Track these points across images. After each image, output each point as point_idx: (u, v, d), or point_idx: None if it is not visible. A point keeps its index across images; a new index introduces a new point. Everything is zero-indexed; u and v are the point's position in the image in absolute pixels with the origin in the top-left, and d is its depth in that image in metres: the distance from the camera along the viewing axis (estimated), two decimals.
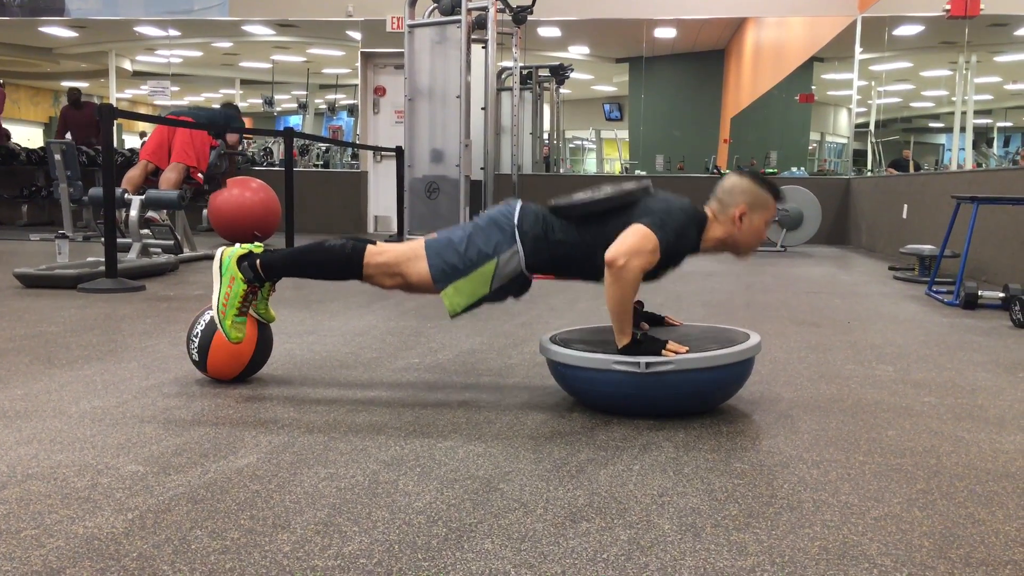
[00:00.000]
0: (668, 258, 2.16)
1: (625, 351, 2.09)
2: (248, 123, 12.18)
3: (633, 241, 2.09)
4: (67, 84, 10.53)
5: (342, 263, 2.29)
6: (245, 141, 11.60)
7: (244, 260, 2.31)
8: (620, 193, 2.22)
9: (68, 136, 9.65)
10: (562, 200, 2.27)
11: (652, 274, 2.21)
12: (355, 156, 10.62)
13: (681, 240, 2.17)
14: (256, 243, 2.38)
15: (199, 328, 2.37)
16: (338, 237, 2.34)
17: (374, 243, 2.31)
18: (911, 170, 9.29)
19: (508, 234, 2.24)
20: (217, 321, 2.28)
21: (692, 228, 2.20)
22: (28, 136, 12.42)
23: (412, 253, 2.28)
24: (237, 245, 2.36)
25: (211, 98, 12.10)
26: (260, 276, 2.30)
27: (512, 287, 2.29)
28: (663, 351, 2.07)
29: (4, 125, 10.30)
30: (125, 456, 1.76)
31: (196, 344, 2.36)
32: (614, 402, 2.14)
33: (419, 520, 1.45)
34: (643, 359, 2.05)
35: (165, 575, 1.23)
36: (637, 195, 2.23)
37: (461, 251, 2.24)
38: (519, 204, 2.30)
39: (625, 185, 2.24)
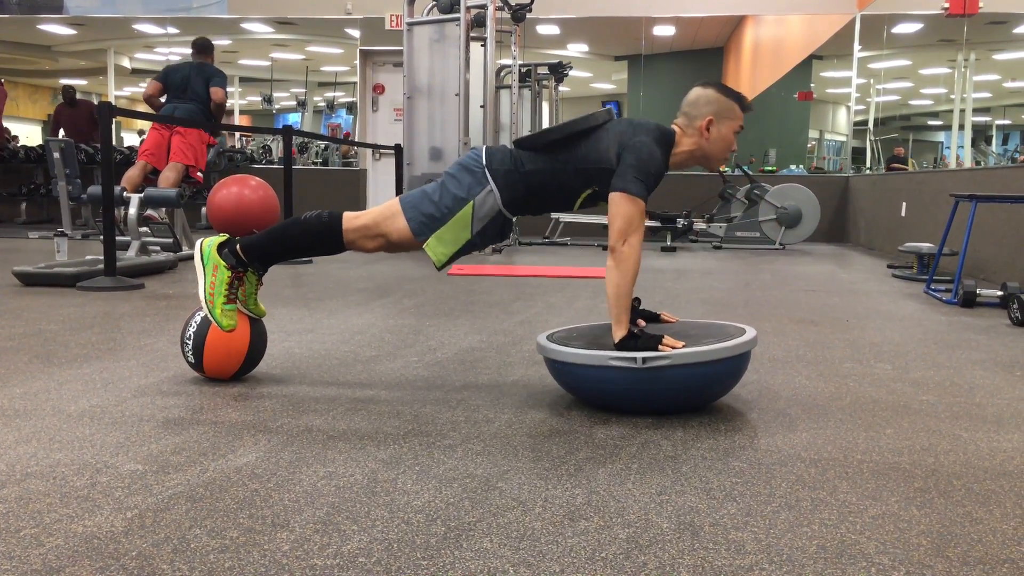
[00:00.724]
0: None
1: (621, 345, 2.09)
2: (246, 121, 12.18)
3: (621, 219, 2.14)
4: (66, 82, 10.52)
5: (321, 233, 2.30)
6: (244, 139, 11.60)
7: (225, 247, 2.32)
8: (582, 118, 2.26)
9: (62, 134, 9.64)
10: (527, 135, 2.31)
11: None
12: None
13: (657, 171, 2.21)
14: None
15: (191, 330, 2.37)
16: (313, 211, 2.35)
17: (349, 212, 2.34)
18: (909, 165, 9.29)
19: (479, 175, 2.27)
20: (207, 311, 2.28)
21: (662, 151, 2.24)
22: (27, 134, 12.41)
23: (389, 211, 2.30)
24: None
25: None
26: (243, 261, 2.31)
27: (493, 230, 2.32)
28: (660, 346, 2.08)
29: (5, 123, 10.28)
30: (124, 455, 1.76)
31: (190, 346, 2.36)
32: (611, 398, 2.14)
33: (418, 519, 1.46)
34: (640, 354, 2.05)
35: (164, 574, 1.24)
36: (600, 118, 2.27)
37: (436, 200, 2.27)
38: (485, 146, 2.34)
39: (587, 115, 2.29)
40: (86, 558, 1.28)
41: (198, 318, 2.37)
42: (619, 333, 2.12)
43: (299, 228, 2.32)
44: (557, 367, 2.22)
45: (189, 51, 7.02)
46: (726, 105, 2.28)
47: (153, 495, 1.54)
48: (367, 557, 1.31)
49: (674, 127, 2.32)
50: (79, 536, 1.36)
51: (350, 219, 2.30)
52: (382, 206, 2.34)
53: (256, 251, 2.31)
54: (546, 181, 2.27)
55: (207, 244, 2.33)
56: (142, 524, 1.41)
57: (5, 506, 1.47)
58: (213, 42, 7.15)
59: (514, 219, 2.37)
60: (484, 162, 2.28)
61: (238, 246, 2.31)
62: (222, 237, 2.34)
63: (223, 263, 2.29)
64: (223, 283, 2.28)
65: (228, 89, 7.14)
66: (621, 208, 2.15)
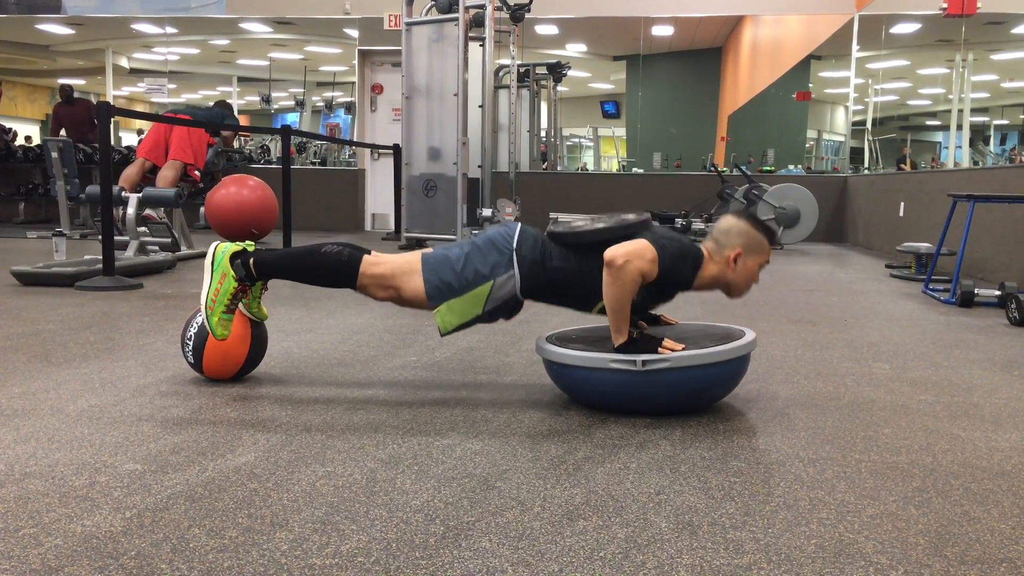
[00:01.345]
0: (663, 281, 2.16)
1: (621, 350, 2.09)
2: (244, 120, 12.17)
3: (633, 247, 2.09)
4: (64, 82, 10.51)
5: (337, 271, 2.27)
6: (242, 139, 11.59)
7: (237, 258, 2.30)
8: (619, 224, 2.21)
9: (62, 133, 9.64)
10: (561, 227, 2.27)
11: (645, 299, 2.23)
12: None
13: (677, 267, 2.16)
14: (249, 242, 2.37)
15: (192, 331, 2.36)
16: (334, 244, 2.32)
17: (370, 253, 2.30)
18: (908, 167, 9.30)
19: (506, 257, 2.23)
20: (204, 316, 2.27)
21: (688, 262, 2.19)
22: (25, 134, 12.40)
23: (408, 267, 2.26)
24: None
25: (208, 95, 12.08)
26: (251, 275, 2.29)
27: (504, 310, 2.30)
28: (659, 349, 2.08)
29: (4, 123, 10.27)
30: (123, 454, 1.76)
31: (191, 347, 2.36)
32: (611, 400, 2.15)
33: (417, 518, 1.46)
34: (639, 357, 2.05)
35: (163, 573, 1.24)
36: (636, 227, 2.22)
37: (458, 270, 2.23)
38: (519, 227, 2.29)
39: (625, 217, 2.24)
40: (85, 558, 1.28)
41: (199, 319, 2.37)
42: (619, 340, 2.11)
43: (317, 260, 2.29)
44: (556, 369, 2.22)
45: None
46: (756, 240, 2.24)
47: (152, 495, 1.54)
48: (366, 556, 1.31)
49: (703, 249, 2.27)
50: (78, 536, 1.36)
51: (369, 264, 2.26)
52: (402, 258, 2.30)
53: (268, 270, 2.30)
54: (567, 281, 2.24)
55: (221, 250, 2.30)
56: (141, 524, 1.41)
57: (4, 506, 1.47)
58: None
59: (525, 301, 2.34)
60: (514, 245, 2.24)
61: (251, 260, 2.29)
62: (238, 246, 2.31)
63: (232, 273, 2.27)
64: (227, 293, 2.27)
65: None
66: (638, 243, 2.10)
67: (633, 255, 2.07)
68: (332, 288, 2.37)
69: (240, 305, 2.36)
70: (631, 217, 2.24)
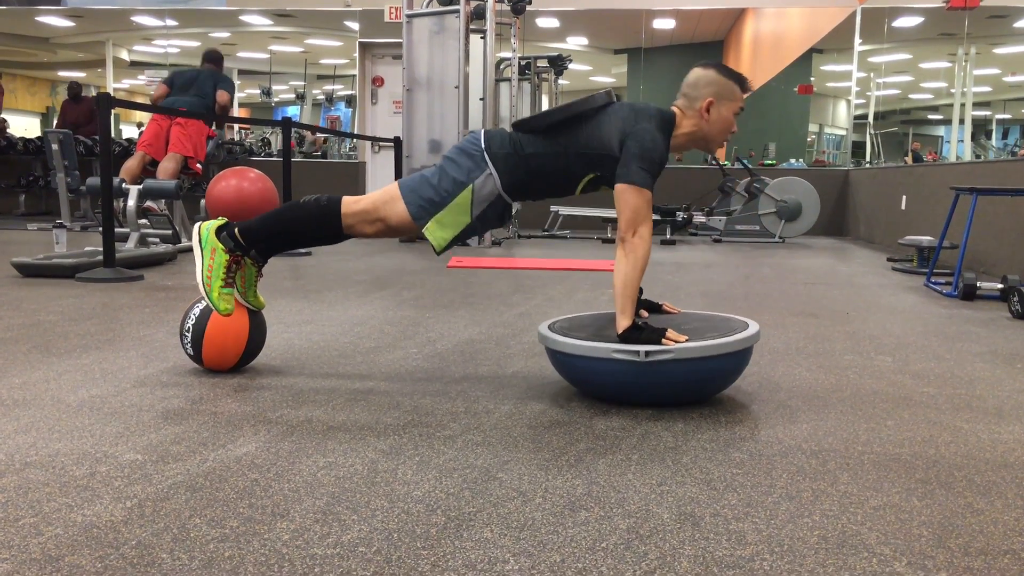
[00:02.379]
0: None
1: (625, 337, 2.09)
2: (244, 113, 12.15)
3: (629, 210, 2.13)
4: (64, 74, 10.51)
5: (320, 217, 2.28)
6: (242, 132, 11.58)
7: (223, 230, 2.30)
8: (581, 100, 2.25)
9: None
10: (526, 117, 2.30)
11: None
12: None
13: (661, 158, 2.19)
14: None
15: (190, 322, 2.36)
16: (311, 195, 2.34)
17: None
18: (910, 160, 9.28)
19: (478, 158, 2.25)
20: (204, 294, 2.27)
21: (663, 136, 2.22)
22: (25, 126, 12.38)
23: (388, 196, 2.29)
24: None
25: None
26: (240, 244, 2.29)
27: (493, 215, 2.31)
28: (663, 340, 2.07)
29: (2, 115, 10.26)
30: (123, 444, 1.76)
31: (189, 338, 2.36)
32: (613, 391, 2.14)
33: (418, 509, 1.45)
34: (643, 348, 2.04)
35: (164, 563, 1.23)
36: (599, 101, 2.25)
37: (435, 184, 2.25)
38: (483, 130, 2.32)
39: (592, 95, 2.27)
40: (85, 547, 1.28)
41: (196, 310, 2.36)
42: (623, 323, 2.11)
43: (297, 212, 2.30)
44: (559, 358, 2.21)
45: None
46: (726, 86, 2.27)
47: (153, 485, 1.53)
48: (367, 547, 1.30)
49: (674, 109, 2.30)
50: (78, 525, 1.35)
51: (349, 203, 2.29)
52: (381, 191, 2.33)
53: (254, 234, 2.30)
54: (546, 164, 2.26)
55: (205, 227, 2.31)
56: (142, 514, 1.40)
57: (4, 495, 1.47)
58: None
59: (514, 205, 2.36)
60: (483, 145, 2.26)
61: (236, 230, 2.29)
62: (220, 221, 2.33)
63: (221, 246, 2.28)
64: (220, 266, 2.27)
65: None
66: (628, 199, 2.14)
67: (636, 220, 2.12)
68: (323, 243, 2.37)
69: (237, 295, 2.36)
70: (598, 95, 2.26)
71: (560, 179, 2.29)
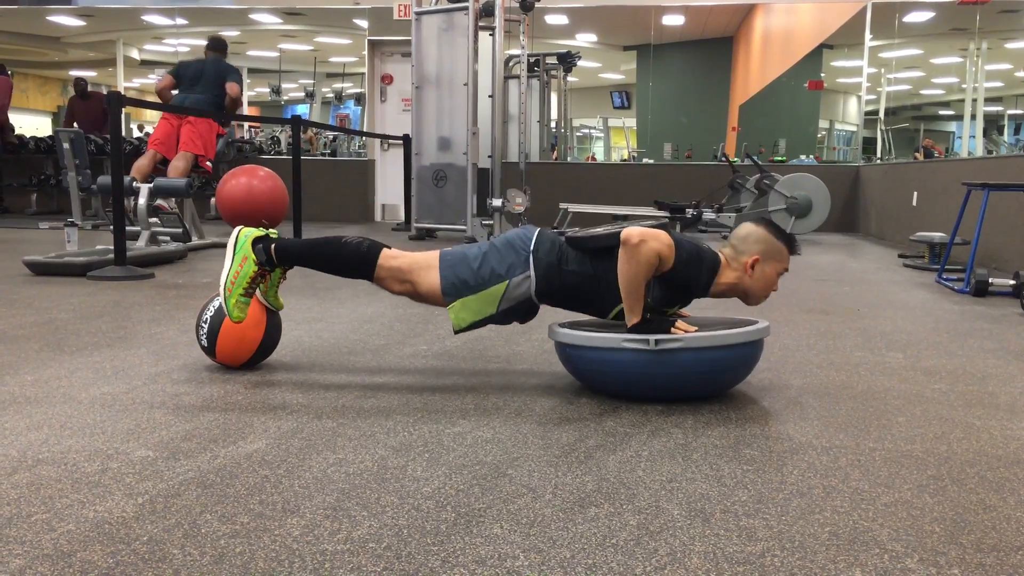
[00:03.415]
0: (677, 279, 2.16)
1: (635, 330, 2.09)
2: (254, 111, 12.18)
3: (650, 231, 2.10)
4: (75, 73, 10.55)
5: (356, 261, 2.30)
6: (252, 130, 11.61)
7: (259, 242, 2.32)
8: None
9: (75, 127, 9.66)
10: (580, 232, 2.27)
11: (660, 300, 2.21)
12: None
13: (691, 266, 2.16)
14: (272, 229, 2.39)
15: (208, 314, 2.37)
16: (355, 236, 2.35)
17: (389, 247, 2.32)
18: (921, 156, 9.24)
19: (523, 258, 2.24)
20: (222, 297, 2.29)
21: (704, 265, 2.19)
22: (36, 125, 12.44)
23: (426, 263, 2.28)
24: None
25: None
26: (272, 261, 2.31)
27: (518, 312, 2.30)
28: (672, 330, 2.07)
29: (14, 114, 10.30)
30: (135, 441, 1.77)
31: (205, 330, 2.37)
32: (622, 383, 2.13)
33: (428, 505, 1.45)
34: (653, 337, 2.04)
35: (175, 559, 1.24)
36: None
37: (474, 268, 2.24)
38: (537, 230, 2.30)
39: (644, 223, 2.23)
40: (97, 543, 1.28)
41: (216, 303, 2.38)
42: (633, 321, 2.10)
43: (338, 251, 2.31)
44: (567, 351, 2.21)
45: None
46: (775, 248, 2.24)
47: (164, 481, 1.54)
48: (377, 543, 1.30)
49: (720, 255, 2.26)
50: (90, 521, 1.36)
51: (388, 256, 2.29)
52: (422, 254, 2.32)
53: (288, 258, 2.32)
54: (582, 285, 2.23)
55: (244, 234, 2.33)
56: (153, 510, 1.41)
57: (17, 492, 1.48)
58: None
59: (540, 306, 2.33)
60: (532, 247, 2.24)
61: (272, 246, 2.31)
62: (260, 232, 2.34)
63: (253, 257, 2.30)
64: (246, 276, 2.29)
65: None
66: (655, 230, 2.11)
67: (649, 236, 2.08)
68: (349, 278, 2.39)
69: (258, 293, 2.38)
70: (650, 223, 2.22)
71: (593, 302, 2.26)
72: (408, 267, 2.28)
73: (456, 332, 2.29)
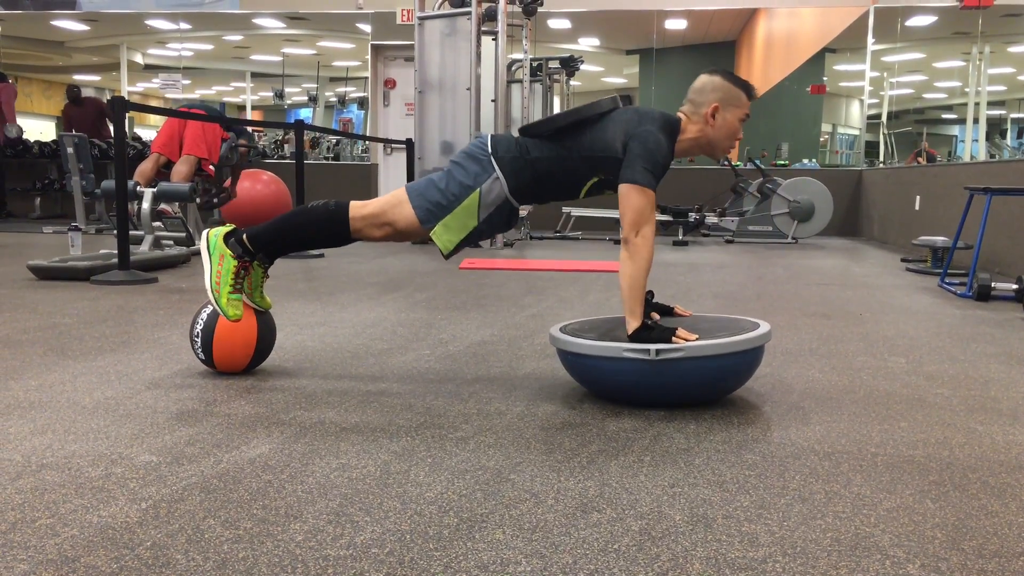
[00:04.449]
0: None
1: (635, 337, 2.09)
2: (257, 116, 12.20)
3: (632, 211, 2.15)
4: (79, 78, 10.58)
5: (327, 221, 2.31)
6: (256, 134, 11.63)
7: (231, 236, 2.33)
8: (587, 105, 2.27)
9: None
10: (532, 123, 2.32)
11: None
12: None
13: (664, 160, 2.21)
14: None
15: (199, 327, 2.37)
16: (319, 201, 2.37)
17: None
18: (923, 160, 9.22)
19: (485, 163, 2.28)
20: (212, 300, 2.29)
21: (667, 139, 2.23)
22: (40, 130, 12.47)
23: (395, 200, 2.31)
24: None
25: (222, 91, 12.12)
26: (249, 250, 2.31)
27: (500, 218, 2.32)
28: (673, 338, 2.07)
29: (17, 120, 10.33)
30: (138, 446, 1.77)
31: (199, 343, 2.37)
32: (624, 391, 2.14)
33: (430, 510, 1.46)
34: (653, 347, 2.04)
35: (179, 564, 1.24)
36: (605, 106, 2.27)
37: (442, 188, 2.28)
38: (490, 134, 2.35)
39: (597, 101, 2.29)
40: (101, 548, 1.29)
41: (204, 315, 2.37)
42: (633, 324, 2.11)
43: (305, 217, 2.33)
44: (570, 359, 2.21)
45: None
46: (732, 92, 2.28)
47: (167, 486, 1.55)
48: (380, 548, 1.31)
49: (679, 114, 2.32)
50: (94, 526, 1.36)
51: (356, 208, 2.31)
52: (389, 195, 2.35)
53: (262, 241, 2.32)
54: (552, 168, 2.28)
55: (213, 234, 2.34)
56: (156, 515, 1.41)
57: (21, 496, 1.48)
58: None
59: (520, 208, 2.37)
60: (490, 150, 2.29)
61: (244, 236, 2.31)
62: (228, 227, 2.35)
63: (229, 252, 2.30)
64: (229, 272, 2.29)
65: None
66: (631, 200, 2.15)
67: (639, 221, 2.14)
68: (331, 246, 2.40)
69: (243, 297, 2.38)
70: (603, 100, 2.29)
71: (565, 182, 2.31)
72: (380, 210, 2.30)
73: (447, 256, 2.33)
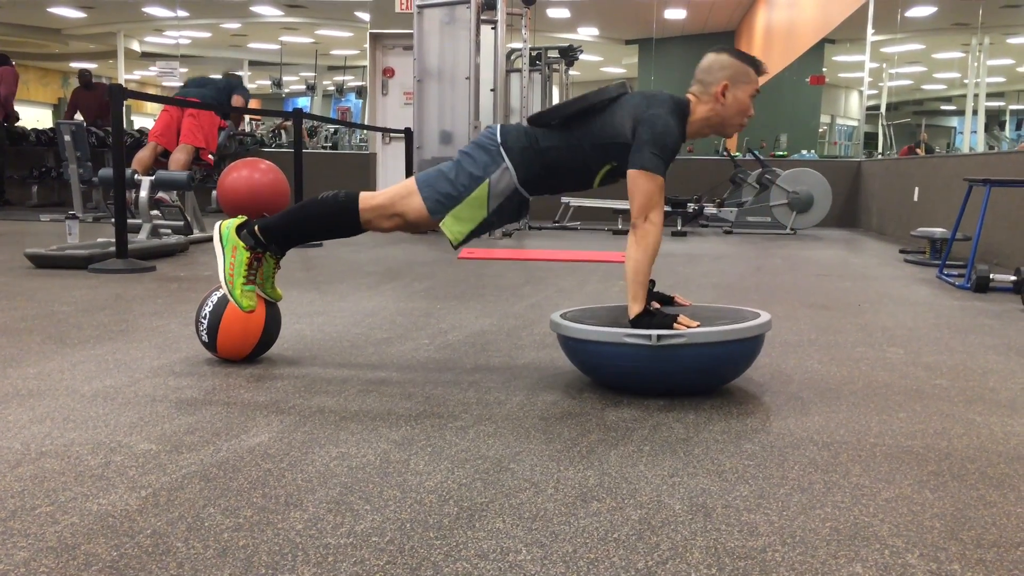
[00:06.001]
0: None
1: (636, 322, 2.09)
2: (255, 104, 12.17)
3: (641, 196, 2.14)
4: (76, 65, 10.53)
5: (338, 213, 2.31)
6: (253, 123, 11.60)
7: (243, 228, 2.33)
8: (595, 92, 2.26)
9: (78, 116, 9.65)
10: (540, 112, 2.31)
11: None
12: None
13: (674, 144, 2.20)
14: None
15: (207, 309, 2.37)
16: (329, 191, 2.37)
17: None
18: (922, 151, 9.22)
19: (495, 153, 2.27)
20: (227, 292, 2.29)
21: (677, 122, 2.22)
22: (37, 117, 12.44)
23: (405, 191, 2.31)
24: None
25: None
26: (261, 241, 2.31)
27: (510, 208, 2.32)
28: (674, 324, 2.07)
29: (15, 106, 10.30)
30: (138, 434, 1.77)
31: (205, 325, 2.37)
32: (625, 377, 2.14)
33: (430, 499, 1.46)
34: (655, 332, 2.04)
35: (179, 552, 1.24)
36: (612, 92, 2.26)
37: (452, 178, 2.27)
38: (499, 125, 2.34)
39: (604, 88, 2.28)
40: (101, 536, 1.29)
41: (215, 298, 2.38)
42: (635, 309, 2.11)
43: (316, 208, 2.33)
44: (571, 344, 2.21)
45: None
46: (741, 69, 2.27)
47: (167, 474, 1.55)
48: (380, 536, 1.31)
49: (688, 96, 2.30)
50: (94, 514, 1.36)
51: (366, 199, 2.31)
52: (398, 185, 2.34)
53: (274, 232, 2.32)
54: (563, 157, 2.26)
55: (225, 226, 2.34)
56: (156, 503, 1.42)
57: (21, 484, 1.48)
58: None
59: (531, 198, 2.37)
60: (499, 140, 2.27)
61: (256, 227, 2.31)
62: (240, 219, 2.36)
63: (242, 244, 2.30)
64: (242, 264, 2.29)
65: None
66: (640, 185, 2.15)
67: (647, 207, 2.14)
68: (342, 236, 2.40)
69: (255, 286, 2.38)
70: (611, 86, 2.28)
71: (577, 172, 2.30)
72: (390, 201, 2.30)
73: (455, 246, 2.32)
